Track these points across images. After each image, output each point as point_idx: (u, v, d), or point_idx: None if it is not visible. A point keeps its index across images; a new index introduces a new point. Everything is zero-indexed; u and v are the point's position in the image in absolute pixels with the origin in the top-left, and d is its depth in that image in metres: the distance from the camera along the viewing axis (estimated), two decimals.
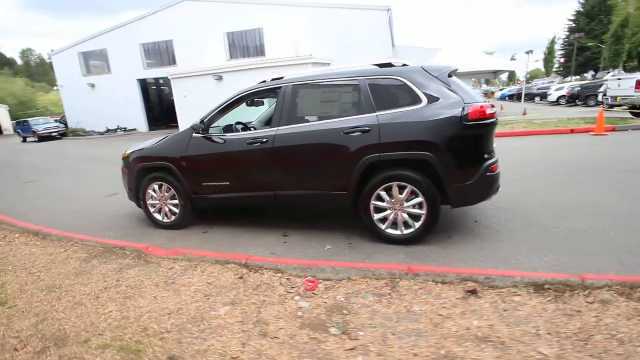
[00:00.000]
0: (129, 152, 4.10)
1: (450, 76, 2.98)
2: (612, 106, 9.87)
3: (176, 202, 3.86)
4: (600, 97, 16.75)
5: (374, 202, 3.07)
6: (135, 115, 21.71)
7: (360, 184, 3.07)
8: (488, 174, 2.88)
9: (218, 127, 3.89)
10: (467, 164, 2.85)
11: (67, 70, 22.63)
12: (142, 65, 21.06)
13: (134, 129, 21.93)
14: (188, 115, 16.99)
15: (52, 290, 2.59)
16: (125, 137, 19.92)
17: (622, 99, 9.93)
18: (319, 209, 4.13)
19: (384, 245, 3.09)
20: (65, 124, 22.90)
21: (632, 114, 10.05)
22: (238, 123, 4.06)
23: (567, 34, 55.93)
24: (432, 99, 2.87)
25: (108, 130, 21.30)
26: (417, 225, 3.00)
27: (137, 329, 2.05)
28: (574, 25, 54.96)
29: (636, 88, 9.28)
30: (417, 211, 2.98)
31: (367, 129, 2.97)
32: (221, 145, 3.51)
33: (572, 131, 8.98)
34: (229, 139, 3.55)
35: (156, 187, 3.89)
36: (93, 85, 22.21)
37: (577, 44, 41.94)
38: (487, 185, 2.91)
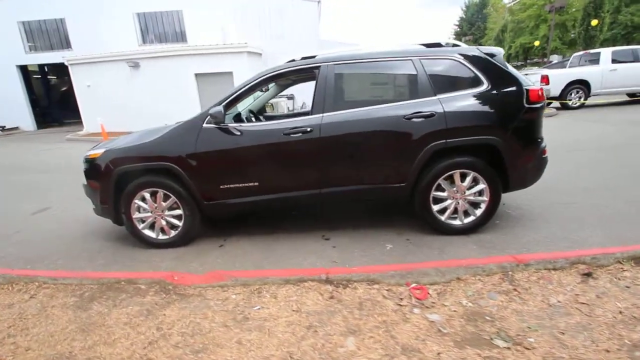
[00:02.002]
0: (98, 152, 3.06)
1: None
2: None
3: (178, 212, 3.03)
4: None
5: (434, 193, 2.86)
6: (16, 111, 17.31)
7: (420, 173, 2.82)
8: (543, 156, 2.93)
9: (228, 114, 3.16)
10: (528, 147, 2.84)
11: None
12: (22, 48, 16.81)
13: (16, 127, 17.52)
14: (94, 108, 14.34)
15: None
16: (6, 137, 15.75)
17: None
18: (353, 205, 3.73)
19: (445, 237, 2.92)
20: None
21: None
22: (250, 112, 3.38)
23: (454, 37, 64.69)
24: (493, 82, 2.77)
25: None
26: (478, 213, 2.90)
27: None
28: (458, 29, 63.75)
29: (541, 82, 11.04)
30: (479, 198, 2.87)
31: (431, 113, 2.72)
32: (245, 138, 2.85)
33: None
34: (255, 129, 2.90)
35: (147, 195, 2.99)
36: None
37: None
38: (541, 168, 2.95)
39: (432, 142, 2.72)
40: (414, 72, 2.80)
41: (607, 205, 3.33)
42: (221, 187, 2.92)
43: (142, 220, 3.09)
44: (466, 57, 2.81)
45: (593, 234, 2.76)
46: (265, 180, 2.89)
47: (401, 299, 2.07)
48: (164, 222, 3.08)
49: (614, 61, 10.69)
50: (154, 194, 3.00)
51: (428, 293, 2.10)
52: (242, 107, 4.16)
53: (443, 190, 2.87)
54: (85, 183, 3.18)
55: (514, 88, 2.78)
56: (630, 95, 11.88)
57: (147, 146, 2.94)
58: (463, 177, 2.83)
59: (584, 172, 4.47)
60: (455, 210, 2.91)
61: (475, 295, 2.06)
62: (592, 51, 11.67)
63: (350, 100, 2.88)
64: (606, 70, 10.72)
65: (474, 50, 2.85)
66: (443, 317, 1.90)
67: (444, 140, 2.72)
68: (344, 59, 2.88)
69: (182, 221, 3.05)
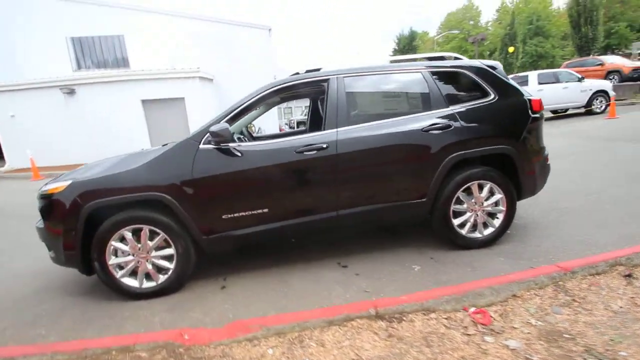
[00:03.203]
0: (59, 185, 2.46)
1: None
2: None
3: (168, 251, 2.52)
4: None
5: (454, 206, 2.76)
6: None
7: (440, 187, 2.70)
8: (547, 163, 3.01)
9: None
10: (536, 155, 2.88)
11: None
12: None
13: None
14: (20, 141, 12.59)
15: None
16: None
17: None
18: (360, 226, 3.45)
19: (466, 252, 2.80)
20: None
21: None
22: (247, 130, 3.02)
23: None
24: (500, 93, 2.80)
25: None
26: (497, 223, 2.84)
27: None
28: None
29: None
30: (497, 209, 2.82)
31: (448, 124, 2.65)
32: (251, 158, 2.50)
33: None
34: (262, 149, 2.57)
35: (128, 234, 2.45)
36: None
37: None
38: (546, 174, 3.02)
39: (451, 154, 2.64)
40: (426, 84, 2.74)
41: (596, 207, 3.51)
42: (223, 217, 2.50)
43: (121, 266, 2.52)
44: (471, 68, 2.83)
45: (601, 235, 2.83)
46: (277, 205, 2.54)
47: (465, 327, 1.84)
48: (149, 266, 2.53)
49: (539, 83, 12.21)
50: (136, 232, 2.47)
51: (491, 316, 1.90)
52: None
53: (462, 203, 2.77)
54: (42, 225, 2.53)
55: (518, 98, 2.84)
56: (553, 112, 13.58)
57: (129, 175, 2.43)
58: (480, 188, 2.77)
59: (559, 179, 4.76)
60: (474, 223, 2.82)
61: (540, 312, 1.91)
62: (520, 74, 13.25)
63: (364, 113, 2.71)
64: (534, 90, 12.16)
65: (477, 63, 2.89)
66: (521, 342, 1.70)
67: (462, 152, 2.65)
68: (354, 71, 2.73)
69: (174, 262, 2.54)
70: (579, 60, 17.19)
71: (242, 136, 3.33)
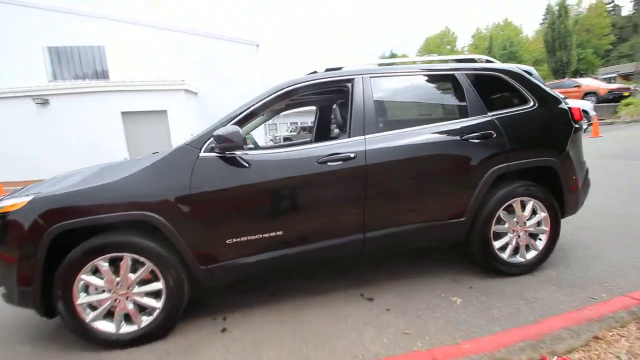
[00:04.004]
0: (17, 201, 1.93)
1: None
2: None
3: (156, 286, 2.00)
4: None
5: (494, 226, 2.39)
6: None
7: (481, 204, 2.34)
8: (588, 177, 2.73)
9: None
10: (578, 168, 2.59)
11: None
12: None
13: None
14: None
15: None
16: None
17: None
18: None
19: (509, 279, 2.42)
20: None
21: None
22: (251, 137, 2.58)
23: None
24: (539, 100, 2.52)
25: None
26: (540, 246, 2.50)
27: None
28: None
29: None
30: (540, 229, 2.48)
31: (489, 133, 2.32)
32: (262, 170, 2.06)
33: None
34: (276, 158, 2.13)
35: (104, 265, 1.92)
36: None
37: None
38: (587, 190, 2.73)
39: (494, 167, 2.29)
40: (462, 88, 2.42)
41: (625, 225, 3.25)
42: (227, 241, 2.02)
43: (93, 306, 1.97)
44: (508, 73, 2.55)
45: None
46: (294, 226, 2.09)
47: None
48: (130, 305, 2.00)
49: None
50: (114, 262, 1.95)
51: None
52: None
53: (502, 223, 2.42)
54: None
55: (559, 106, 2.57)
56: None
57: (108, 189, 1.92)
58: (522, 206, 2.43)
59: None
60: (516, 246, 2.46)
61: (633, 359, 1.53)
62: None
63: (395, 119, 2.36)
64: None
65: (514, 67, 2.61)
66: None
67: (505, 164, 2.32)
68: (381, 71, 2.38)
69: (162, 299, 2.01)
70: (557, 82, 17.87)
71: (246, 145, 2.89)
